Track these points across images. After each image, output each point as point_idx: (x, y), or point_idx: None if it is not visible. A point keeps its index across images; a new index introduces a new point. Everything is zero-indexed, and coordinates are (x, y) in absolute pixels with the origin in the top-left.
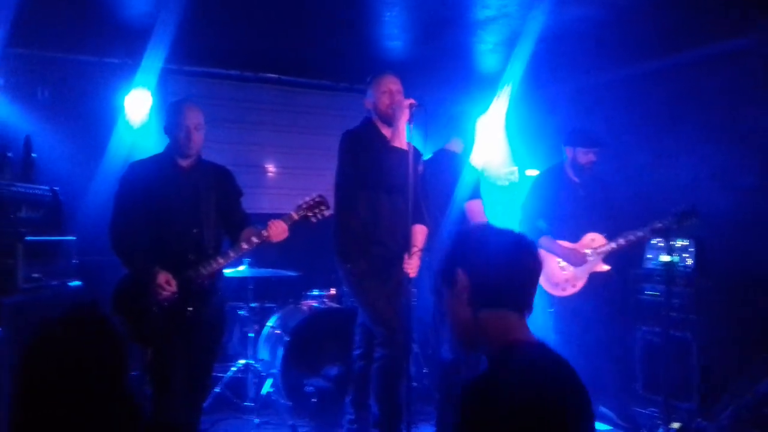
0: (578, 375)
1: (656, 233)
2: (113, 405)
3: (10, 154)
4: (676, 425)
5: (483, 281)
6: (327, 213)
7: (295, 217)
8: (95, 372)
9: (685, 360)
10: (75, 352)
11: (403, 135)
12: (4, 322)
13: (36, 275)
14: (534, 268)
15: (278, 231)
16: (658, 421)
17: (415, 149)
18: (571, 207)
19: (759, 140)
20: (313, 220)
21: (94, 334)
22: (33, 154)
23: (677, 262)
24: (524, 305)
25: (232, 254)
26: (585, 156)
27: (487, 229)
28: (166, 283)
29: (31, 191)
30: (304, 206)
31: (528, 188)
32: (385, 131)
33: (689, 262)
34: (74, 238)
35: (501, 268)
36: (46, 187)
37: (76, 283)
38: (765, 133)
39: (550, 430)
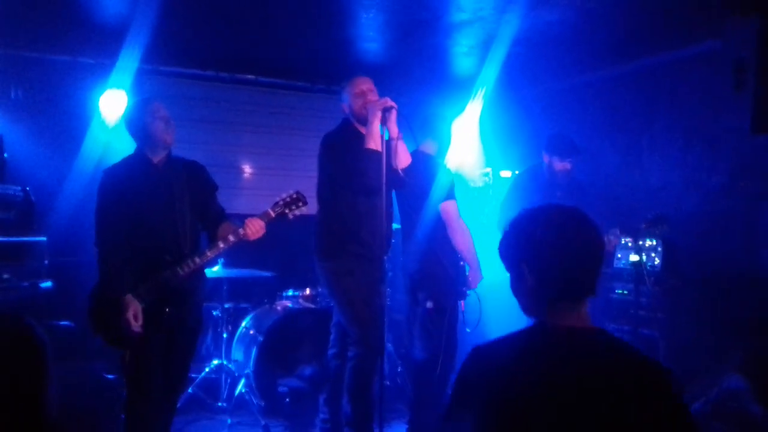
0: (660, 374)
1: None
2: (28, 425)
3: None
4: None
5: (550, 282)
6: (304, 208)
7: (272, 214)
8: (6, 391)
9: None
10: None
11: (377, 136)
12: None
13: (6, 276)
14: (600, 256)
15: (255, 229)
16: None
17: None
18: None
19: (728, 142)
20: (291, 216)
21: (8, 349)
22: (5, 154)
23: (645, 262)
24: (589, 292)
25: (209, 253)
26: (560, 164)
27: (554, 220)
28: (134, 318)
29: (2, 191)
30: (281, 203)
31: (507, 188)
32: (364, 132)
33: (657, 261)
34: (45, 238)
35: (569, 268)
36: (18, 187)
37: (48, 284)
38: (734, 135)
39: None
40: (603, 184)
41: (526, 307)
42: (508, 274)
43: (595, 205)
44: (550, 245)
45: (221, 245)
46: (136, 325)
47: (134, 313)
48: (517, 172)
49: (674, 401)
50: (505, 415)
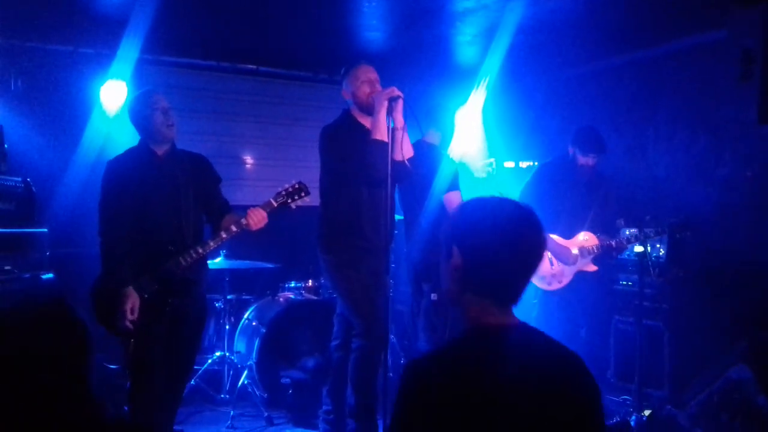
0: (579, 363)
1: (647, 238)
2: (68, 403)
3: None
4: (647, 413)
5: (475, 269)
6: (307, 198)
7: (274, 204)
8: (49, 368)
9: (657, 348)
10: (26, 347)
11: (384, 126)
12: None
13: (7, 267)
14: (533, 262)
15: (258, 219)
16: (630, 409)
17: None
18: (570, 202)
19: (732, 132)
20: (293, 206)
21: (51, 329)
22: (5, 145)
23: (650, 253)
24: (511, 300)
25: (211, 244)
26: (583, 159)
27: (493, 208)
28: (131, 312)
29: (2, 182)
30: (283, 193)
31: (530, 176)
32: (364, 121)
33: (662, 252)
34: (46, 230)
35: (496, 261)
36: (18, 178)
37: (49, 275)
38: (739, 125)
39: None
40: (607, 175)
41: (454, 295)
42: None
43: (619, 201)
44: (488, 232)
45: (224, 235)
46: (131, 318)
47: (132, 306)
48: (534, 163)
49: (597, 399)
50: (454, 427)
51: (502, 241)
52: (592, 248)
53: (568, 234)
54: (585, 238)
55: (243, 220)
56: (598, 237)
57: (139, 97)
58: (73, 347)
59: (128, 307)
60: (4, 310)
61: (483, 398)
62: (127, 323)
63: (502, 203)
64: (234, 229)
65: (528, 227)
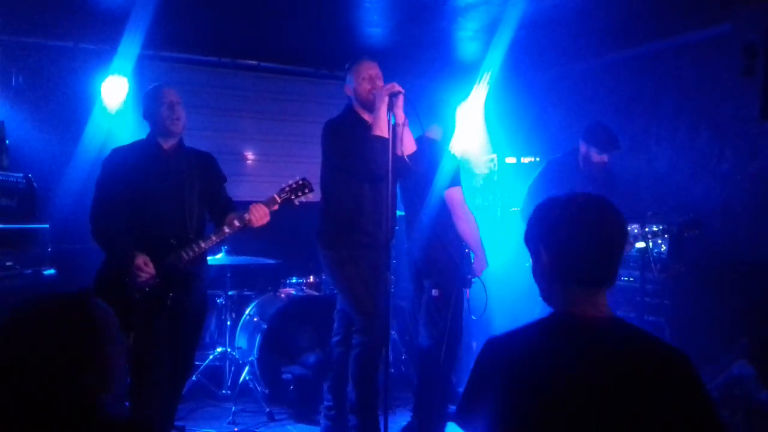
0: (675, 363)
1: (654, 236)
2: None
3: None
4: None
5: (562, 259)
6: (310, 195)
7: (278, 200)
8: (61, 364)
9: None
10: (37, 342)
11: (384, 122)
12: None
13: (9, 263)
14: (619, 247)
15: (260, 215)
16: None
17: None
18: None
19: (734, 128)
20: (296, 202)
21: (66, 323)
22: (6, 141)
23: (651, 249)
24: (601, 281)
25: (214, 238)
26: (598, 157)
27: (566, 202)
28: (144, 264)
29: (3, 178)
30: (287, 189)
31: (538, 173)
32: (367, 118)
33: (663, 248)
34: (48, 226)
35: (582, 251)
36: (20, 174)
37: (51, 271)
38: (743, 120)
39: (563, 405)
40: (614, 170)
41: (545, 294)
42: (513, 263)
43: (624, 198)
44: (566, 226)
45: (226, 230)
46: (148, 270)
47: (144, 260)
48: (536, 158)
49: (699, 389)
50: (521, 408)
51: (582, 227)
52: None
53: None
54: None
55: (246, 216)
56: None
57: (150, 92)
58: (100, 340)
59: (140, 261)
60: (27, 304)
61: (552, 384)
62: (147, 273)
63: (573, 197)
64: (236, 224)
65: (602, 210)
